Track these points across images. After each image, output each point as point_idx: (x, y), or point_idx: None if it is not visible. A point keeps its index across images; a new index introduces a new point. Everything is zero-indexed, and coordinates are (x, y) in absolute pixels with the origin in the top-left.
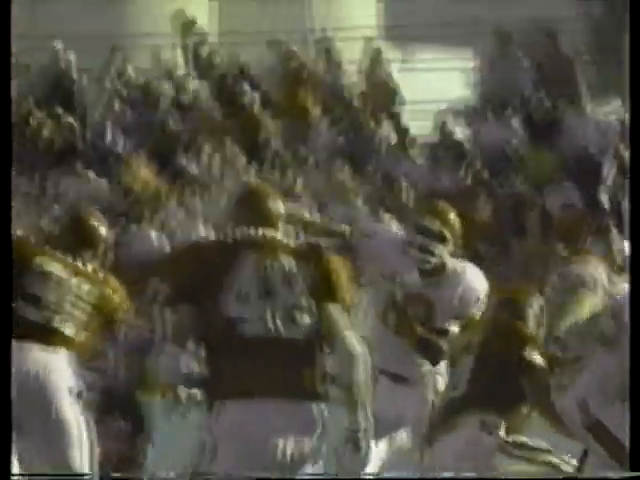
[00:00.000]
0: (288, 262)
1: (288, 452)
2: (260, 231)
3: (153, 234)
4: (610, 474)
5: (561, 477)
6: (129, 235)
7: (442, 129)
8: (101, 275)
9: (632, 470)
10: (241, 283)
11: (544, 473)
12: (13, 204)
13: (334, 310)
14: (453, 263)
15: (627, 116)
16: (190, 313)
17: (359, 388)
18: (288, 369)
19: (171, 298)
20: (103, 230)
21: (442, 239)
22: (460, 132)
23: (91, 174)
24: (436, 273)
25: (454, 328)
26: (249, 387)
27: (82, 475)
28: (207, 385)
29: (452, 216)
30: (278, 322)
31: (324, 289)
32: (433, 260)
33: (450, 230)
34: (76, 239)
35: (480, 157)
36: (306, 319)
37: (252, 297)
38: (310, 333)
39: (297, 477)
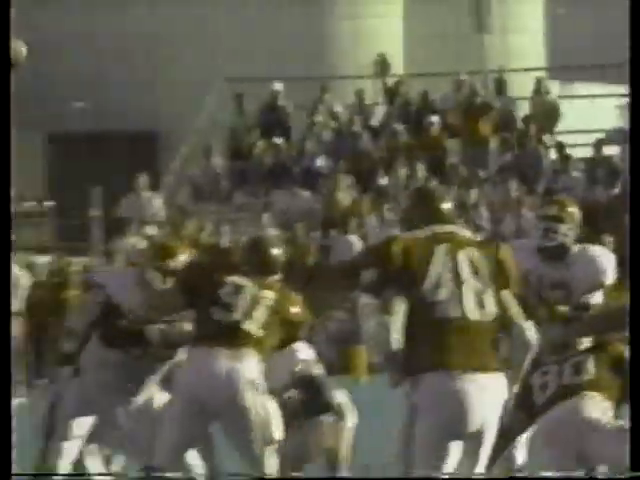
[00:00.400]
0: (473, 253)
1: (480, 421)
2: (449, 227)
3: (354, 239)
4: (610, 474)
5: (561, 477)
6: (334, 241)
7: (597, 148)
8: (281, 287)
9: (632, 470)
10: (437, 271)
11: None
12: (237, 218)
13: (508, 297)
14: (575, 245)
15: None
16: (393, 297)
17: (523, 370)
18: (479, 346)
19: (377, 285)
20: (280, 255)
21: (560, 220)
22: (612, 151)
23: (304, 192)
24: (563, 256)
25: (593, 299)
26: (446, 361)
27: (83, 475)
28: (407, 361)
29: (572, 208)
30: (469, 305)
31: (500, 277)
32: (558, 237)
33: (568, 216)
34: (260, 264)
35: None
36: (491, 303)
37: (446, 283)
38: (494, 316)
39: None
